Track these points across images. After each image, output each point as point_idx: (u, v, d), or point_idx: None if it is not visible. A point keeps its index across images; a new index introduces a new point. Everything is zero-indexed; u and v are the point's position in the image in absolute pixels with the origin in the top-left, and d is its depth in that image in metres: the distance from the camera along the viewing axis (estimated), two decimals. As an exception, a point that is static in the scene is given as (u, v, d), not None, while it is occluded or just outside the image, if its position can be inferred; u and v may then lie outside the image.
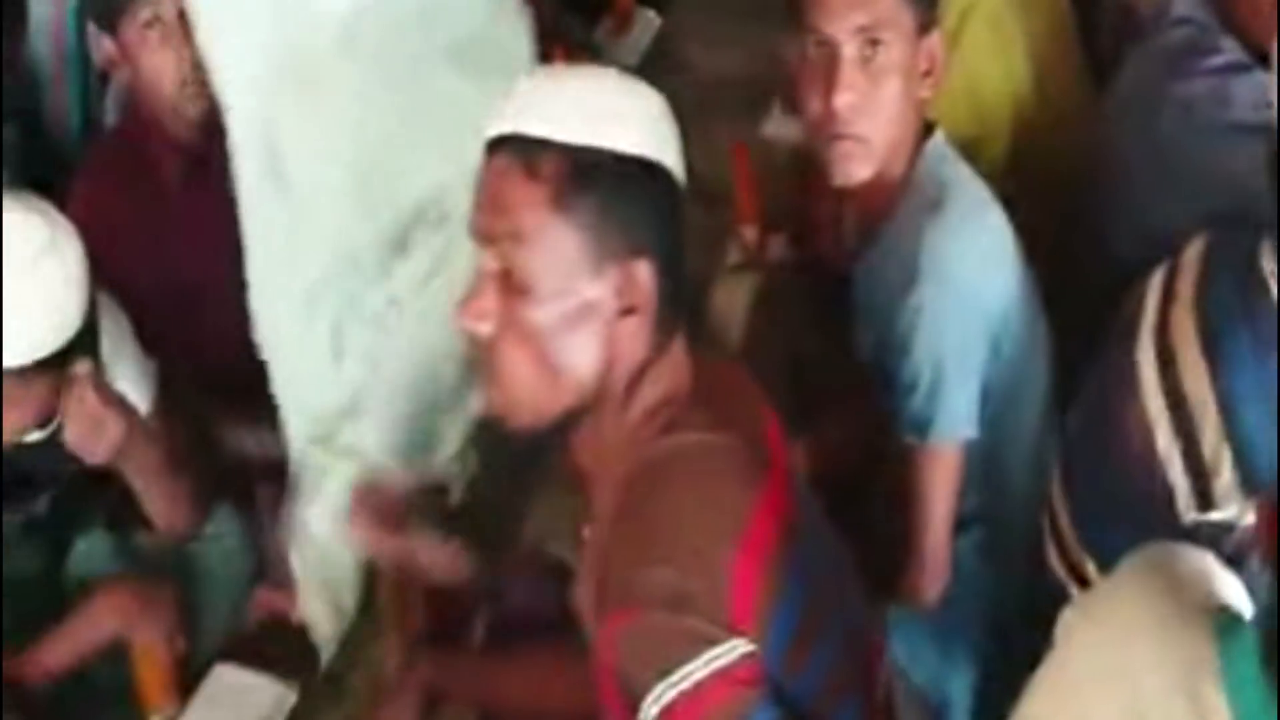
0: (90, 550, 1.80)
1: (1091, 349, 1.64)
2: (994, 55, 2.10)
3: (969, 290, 1.58)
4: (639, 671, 1.10)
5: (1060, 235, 2.02)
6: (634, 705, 1.10)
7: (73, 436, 1.61)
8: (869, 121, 1.60)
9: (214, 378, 1.89)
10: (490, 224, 1.17)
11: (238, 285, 2.05)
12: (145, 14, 1.81)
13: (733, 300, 2.30)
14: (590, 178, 1.15)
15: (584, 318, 1.17)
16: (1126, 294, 1.55)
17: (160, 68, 1.82)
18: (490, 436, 1.27)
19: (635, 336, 1.19)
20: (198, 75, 1.81)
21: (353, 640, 1.96)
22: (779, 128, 2.97)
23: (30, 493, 1.75)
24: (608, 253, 1.17)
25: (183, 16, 1.79)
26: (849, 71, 1.58)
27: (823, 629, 1.18)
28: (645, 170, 1.18)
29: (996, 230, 1.64)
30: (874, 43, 1.58)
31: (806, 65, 1.63)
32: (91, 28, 2.15)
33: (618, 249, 1.17)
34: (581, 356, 1.18)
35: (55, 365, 1.54)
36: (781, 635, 1.11)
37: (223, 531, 1.89)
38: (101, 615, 1.67)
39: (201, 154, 1.94)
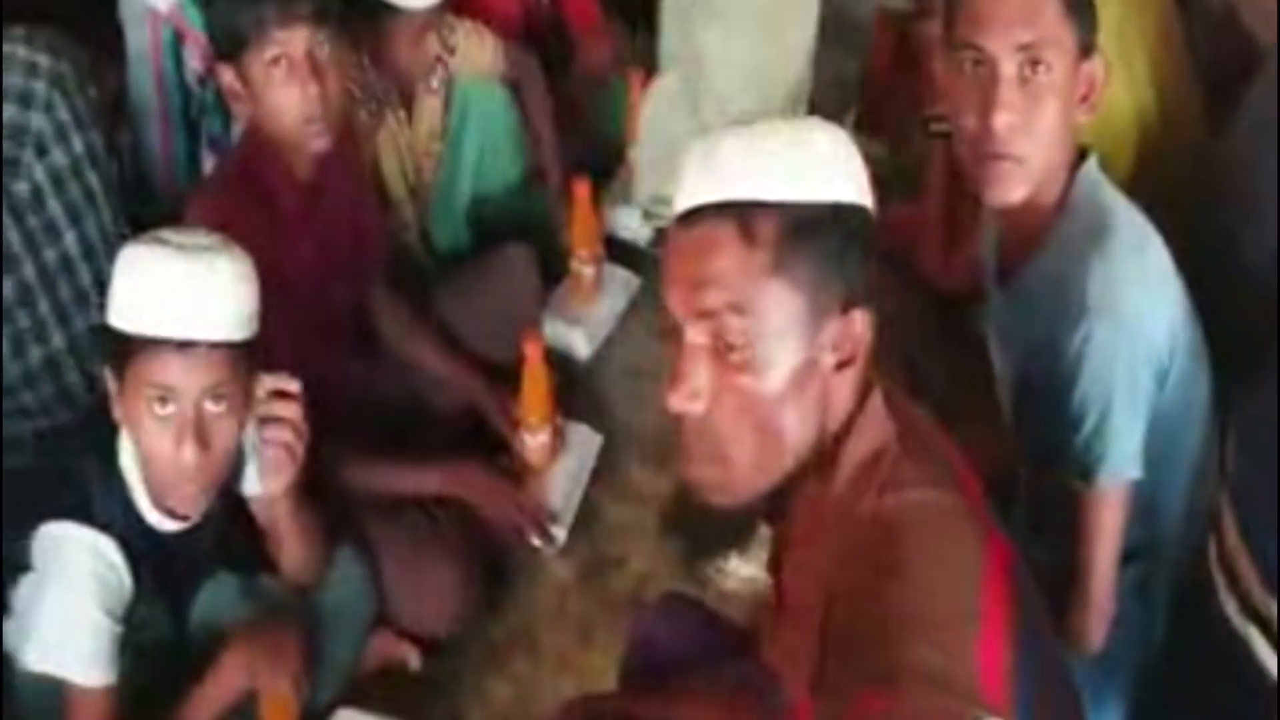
0: (215, 595, 1.75)
1: (1232, 367, 1.58)
2: (1119, 68, 2.04)
3: (1138, 323, 1.51)
4: None
5: (1186, 248, 1.98)
6: None
7: (272, 457, 1.61)
8: (1027, 142, 1.53)
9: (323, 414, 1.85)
10: (702, 298, 1.10)
11: (345, 317, 2.05)
12: (272, 50, 1.78)
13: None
14: (807, 234, 1.10)
15: (807, 378, 1.12)
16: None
17: (284, 103, 1.79)
18: (687, 514, 1.21)
19: (848, 390, 1.15)
20: (325, 113, 1.80)
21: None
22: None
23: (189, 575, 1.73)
24: (826, 307, 1.12)
25: (310, 55, 1.78)
26: (1008, 90, 1.51)
27: (1052, 692, 1.13)
28: (852, 215, 1.14)
29: (1160, 259, 1.57)
30: (1035, 62, 1.51)
31: (960, 82, 1.56)
32: (188, 53, 2.18)
33: (835, 301, 1.12)
34: (805, 419, 1.13)
35: (243, 370, 1.52)
36: (1024, 704, 1.04)
37: (347, 575, 1.85)
38: (233, 673, 1.65)
39: (317, 187, 1.92)
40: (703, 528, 1.24)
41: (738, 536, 1.25)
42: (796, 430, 1.13)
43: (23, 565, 1.58)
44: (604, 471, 2.28)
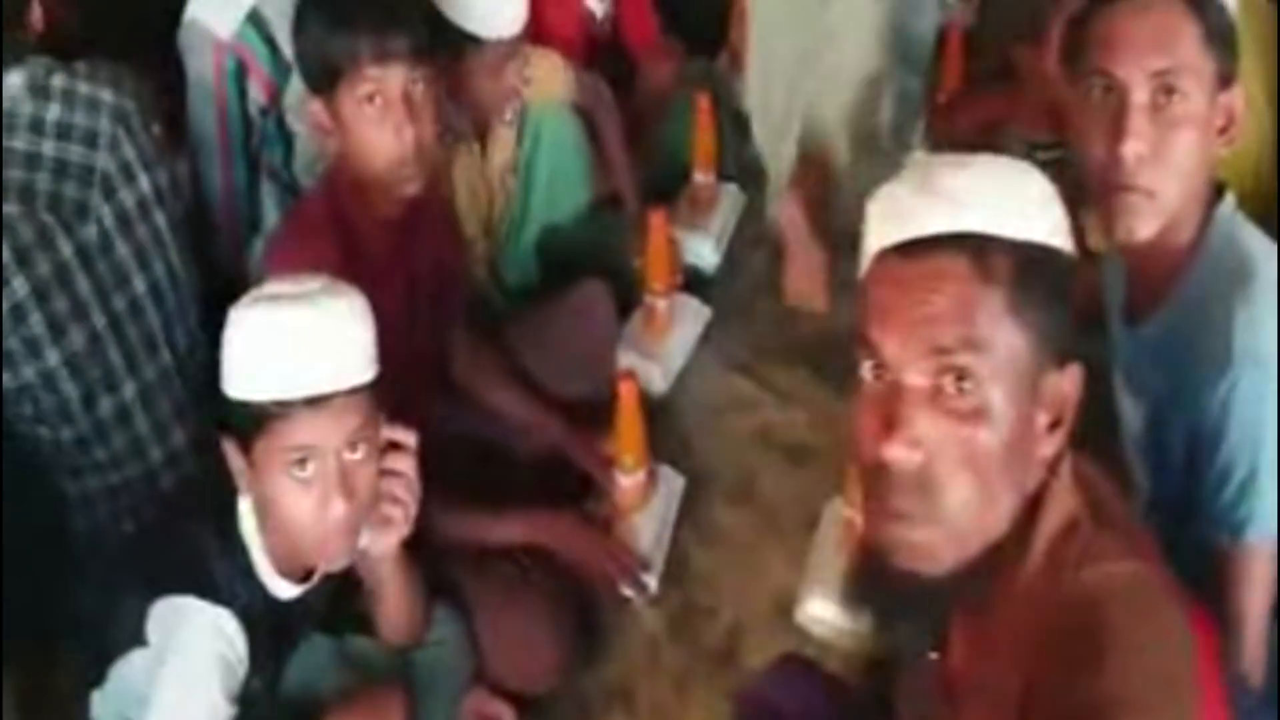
0: (309, 659, 1.65)
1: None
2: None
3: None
4: None
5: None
6: None
7: (386, 513, 1.52)
8: (1157, 174, 1.45)
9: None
10: (934, 335, 1.02)
11: (429, 362, 1.96)
12: (366, 88, 1.68)
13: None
14: (1036, 275, 1.03)
15: (1025, 436, 1.04)
16: None
17: (376, 144, 1.69)
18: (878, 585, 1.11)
19: (1050, 452, 1.06)
20: (418, 156, 1.71)
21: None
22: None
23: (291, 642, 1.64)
24: (1047, 357, 1.04)
25: (406, 95, 1.69)
26: (1139, 119, 1.43)
27: None
28: (1065, 261, 1.06)
29: None
30: (1169, 90, 1.43)
31: (1086, 110, 1.48)
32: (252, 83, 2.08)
33: (1054, 352, 1.05)
34: (1017, 482, 1.04)
35: (373, 410, 1.44)
36: None
37: (445, 633, 1.74)
38: None
39: (406, 227, 1.83)
40: (895, 602, 1.14)
41: (933, 611, 1.15)
42: (1010, 494, 1.05)
43: (134, 636, 1.47)
44: (687, 514, 2.19)
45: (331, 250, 1.67)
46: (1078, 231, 1.91)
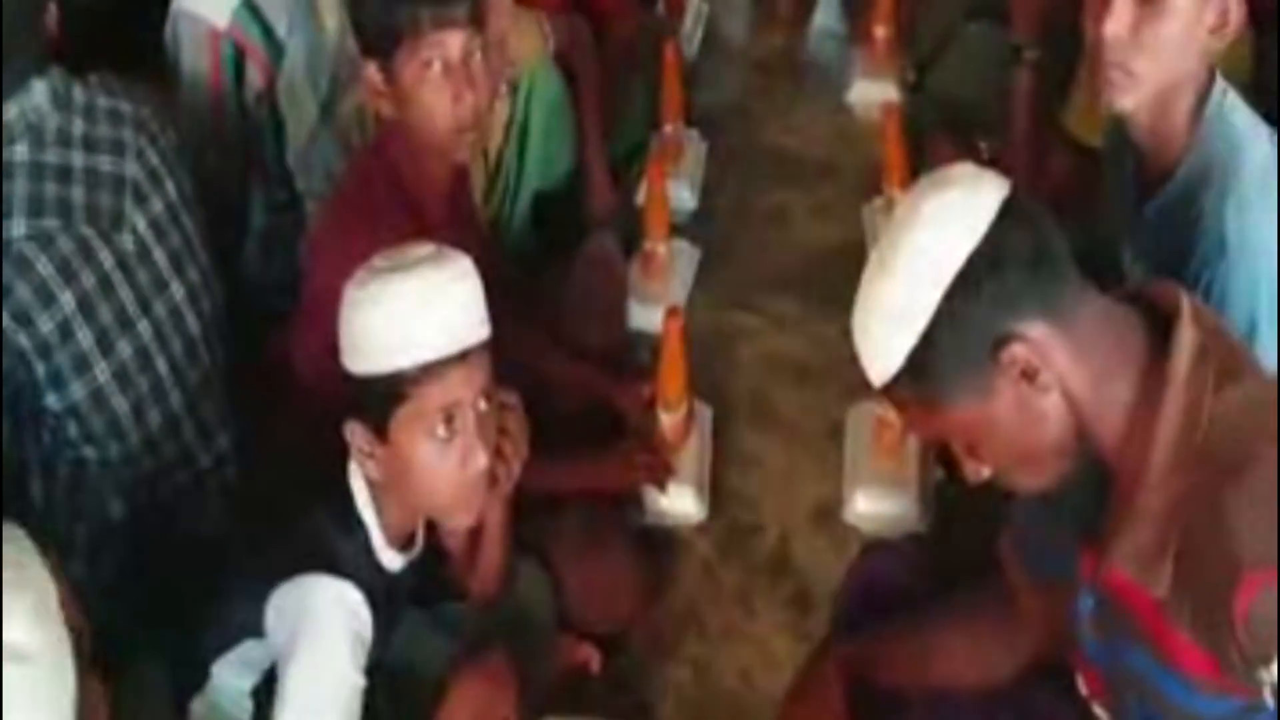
0: (409, 628, 1.69)
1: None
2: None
3: (1273, 255, 1.55)
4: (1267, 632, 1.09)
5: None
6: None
7: (511, 462, 1.56)
8: (1136, 56, 1.59)
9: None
10: None
11: None
12: (427, 52, 1.70)
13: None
14: None
15: None
16: None
17: (436, 108, 1.71)
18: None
19: None
20: (475, 121, 1.74)
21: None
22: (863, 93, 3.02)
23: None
24: None
25: (465, 62, 1.71)
26: (1122, 4, 1.57)
27: None
28: None
29: None
30: None
31: None
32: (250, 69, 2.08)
33: None
34: None
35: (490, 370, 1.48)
36: None
37: (531, 584, 1.80)
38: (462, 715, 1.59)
39: (454, 195, 1.86)
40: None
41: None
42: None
43: (241, 630, 1.51)
44: (716, 442, 2.28)
45: (404, 219, 1.70)
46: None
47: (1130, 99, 1.62)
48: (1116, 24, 1.58)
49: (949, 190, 1.24)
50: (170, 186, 1.83)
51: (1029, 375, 1.21)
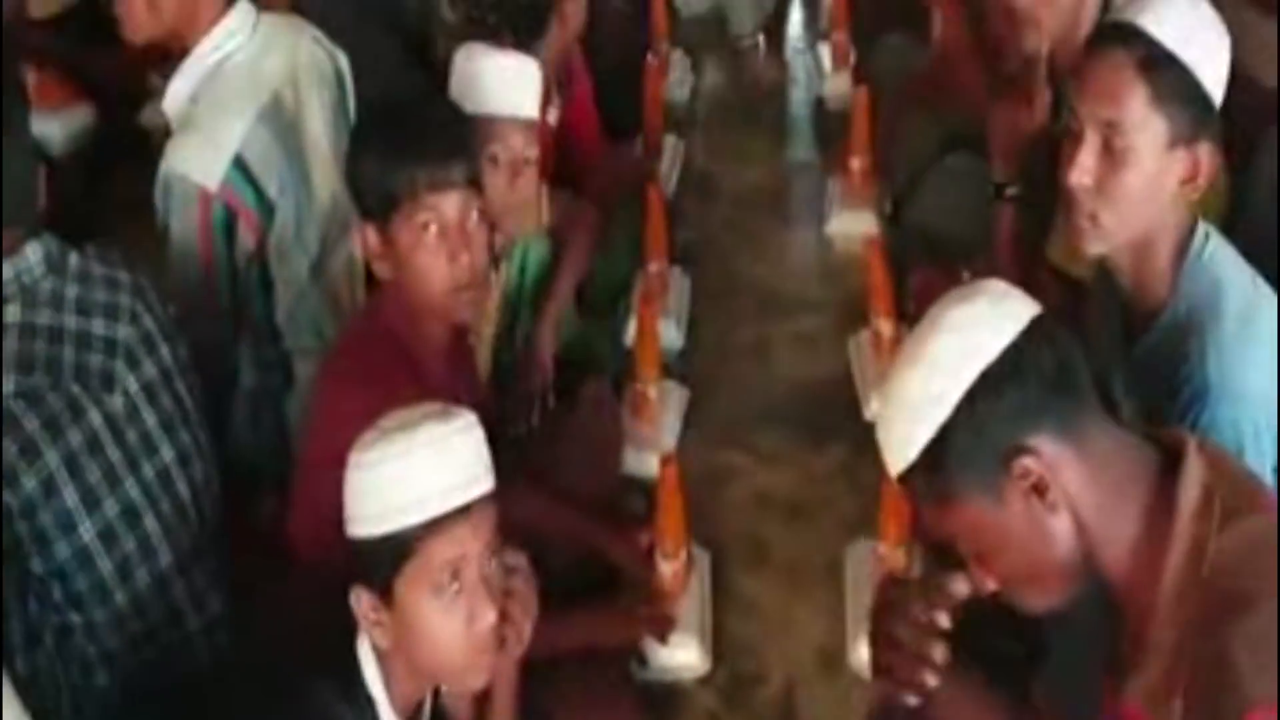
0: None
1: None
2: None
3: (1256, 399, 1.60)
4: None
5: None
6: None
7: (520, 625, 1.52)
8: (1102, 206, 1.66)
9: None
10: None
11: None
12: (424, 215, 1.71)
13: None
14: None
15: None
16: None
17: (432, 270, 1.73)
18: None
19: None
20: (473, 281, 1.75)
21: None
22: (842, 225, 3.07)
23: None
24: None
25: (463, 224, 1.73)
26: (1086, 155, 1.66)
27: None
28: None
29: (1272, 318, 1.66)
30: (1116, 137, 1.63)
31: (1068, 140, 1.70)
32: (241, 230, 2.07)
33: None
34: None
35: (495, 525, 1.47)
36: None
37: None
38: None
39: (452, 353, 1.86)
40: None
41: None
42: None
43: None
44: (714, 587, 2.25)
45: (403, 383, 1.69)
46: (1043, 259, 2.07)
47: (1099, 246, 1.70)
48: (1080, 174, 1.66)
49: (978, 300, 1.30)
50: (165, 351, 1.82)
51: (1039, 490, 1.25)
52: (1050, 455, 1.24)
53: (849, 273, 2.96)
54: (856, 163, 3.08)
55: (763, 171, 3.43)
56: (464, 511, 1.42)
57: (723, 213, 3.28)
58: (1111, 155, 1.64)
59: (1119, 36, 1.65)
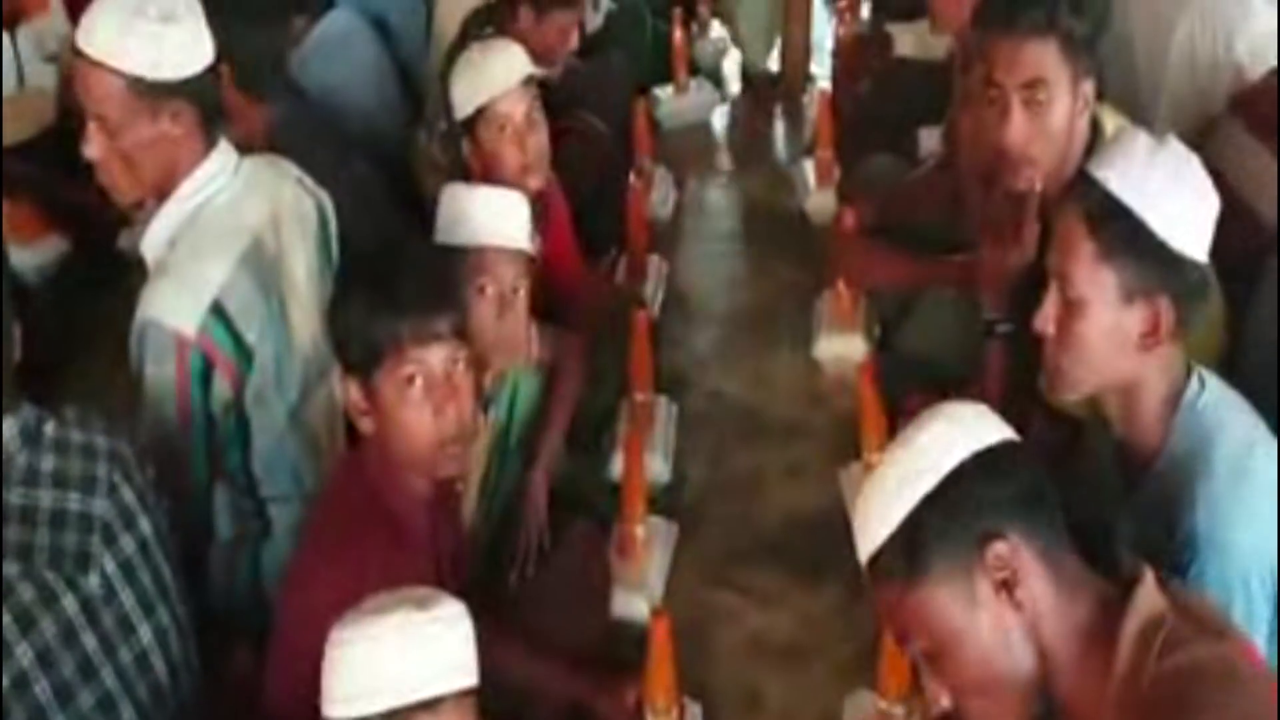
0: None
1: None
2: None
3: (1248, 554, 1.57)
4: None
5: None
6: None
7: None
8: (1062, 355, 1.69)
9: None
10: None
11: None
12: (408, 368, 1.67)
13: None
14: None
15: None
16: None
17: (416, 424, 1.68)
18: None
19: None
20: (459, 434, 1.70)
21: None
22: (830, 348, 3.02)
23: None
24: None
25: (448, 376, 1.68)
26: (1049, 304, 1.68)
27: None
28: None
29: (1266, 470, 1.63)
30: (1071, 288, 1.65)
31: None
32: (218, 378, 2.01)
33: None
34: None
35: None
36: None
37: None
38: None
39: (434, 504, 1.80)
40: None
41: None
42: None
43: None
44: (707, 741, 2.17)
45: (384, 545, 1.65)
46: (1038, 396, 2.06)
47: (1068, 394, 1.72)
48: (1042, 322, 1.70)
49: (960, 412, 1.42)
50: (144, 523, 1.75)
51: (1009, 586, 1.31)
52: (1021, 555, 1.32)
53: (838, 397, 2.91)
54: (845, 284, 3.04)
55: (749, 290, 3.39)
56: (430, 706, 1.37)
57: (709, 334, 3.22)
58: (1068, 306, 1.66)
59: (1076, 187, 1.70)
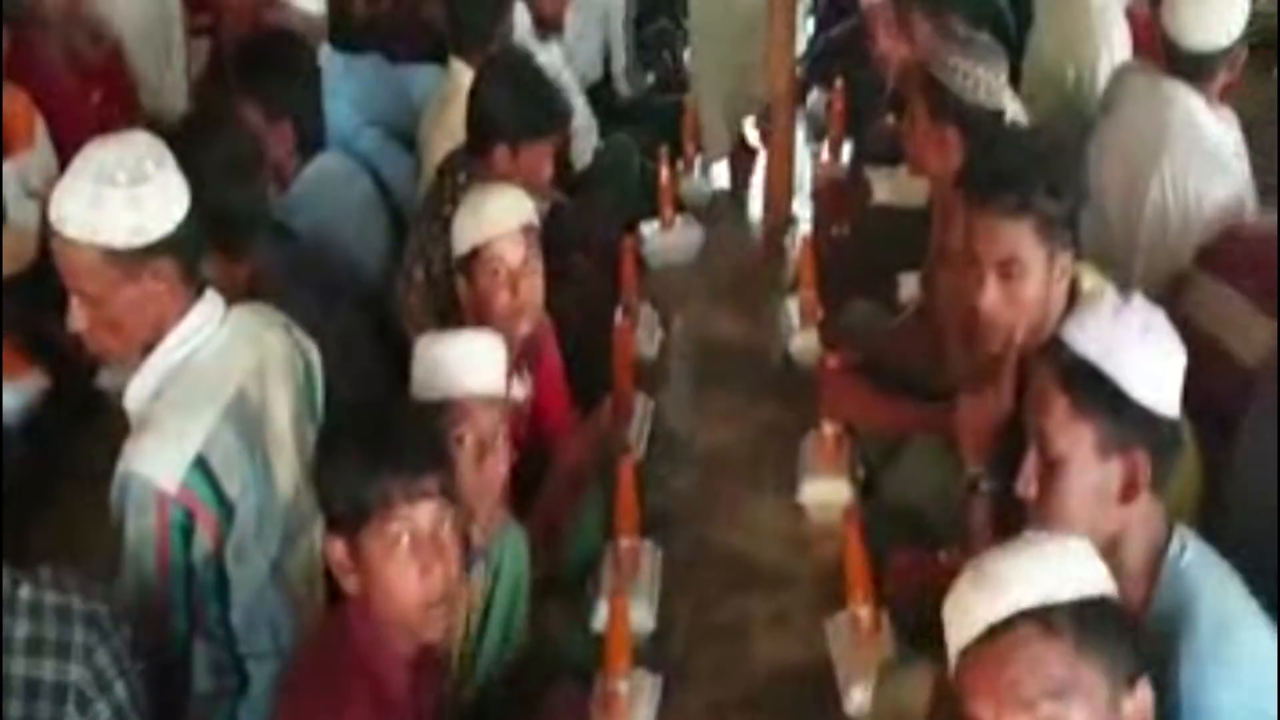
0: None
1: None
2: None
3: (1229, 714, 1.58)
4: None
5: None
6: None
7: None
8: (1044, 514, 1.72)
9: None
10: (1017, 691, 1.38)
11: None
12: (397, 526, 1.66)
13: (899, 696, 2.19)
14: (1094, 621, 1.42)
15: None
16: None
17: (402, 583, 1.67)
18: None
19: None
20: (446, 594, 1.68)
21: None
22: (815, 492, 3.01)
23: None
24: (1120, 682, 1.43)
25: (435, 535, 1.66)
26: (1028, 464, 1.74)
27: None
28: (1113, 604, 1.47)
29: (1249, 639, 1.64)
30: (1050, 445, 1.72)
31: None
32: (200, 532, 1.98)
33: (1124, 676, 1.43)
34: None
35: None
36: None
37: None
38: None
39: (419, 664, 1.77)
40: None
41: None
42: None
43: None
44: None
45: (364, 699, 1.63)
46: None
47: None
48: (1023, 483, 1.75)
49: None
50: (119, 688, 1.72)
51: None
52: None
53: (823, 542, 2.88)
54: (829, 427, 3.03)
55: (734, 431, 3.37)
56: None
57: (693, 476, 3.20)
58: (1049, 466, 1.70)
59: (1050, 348, 1.75)
